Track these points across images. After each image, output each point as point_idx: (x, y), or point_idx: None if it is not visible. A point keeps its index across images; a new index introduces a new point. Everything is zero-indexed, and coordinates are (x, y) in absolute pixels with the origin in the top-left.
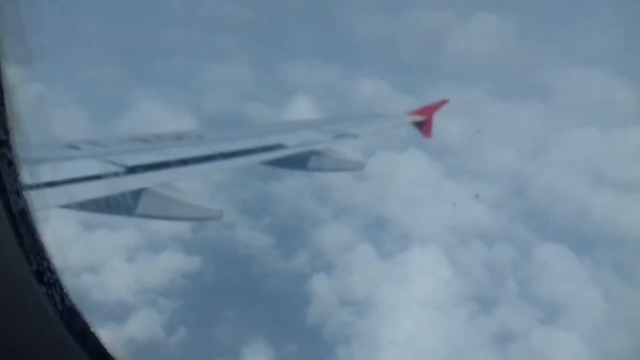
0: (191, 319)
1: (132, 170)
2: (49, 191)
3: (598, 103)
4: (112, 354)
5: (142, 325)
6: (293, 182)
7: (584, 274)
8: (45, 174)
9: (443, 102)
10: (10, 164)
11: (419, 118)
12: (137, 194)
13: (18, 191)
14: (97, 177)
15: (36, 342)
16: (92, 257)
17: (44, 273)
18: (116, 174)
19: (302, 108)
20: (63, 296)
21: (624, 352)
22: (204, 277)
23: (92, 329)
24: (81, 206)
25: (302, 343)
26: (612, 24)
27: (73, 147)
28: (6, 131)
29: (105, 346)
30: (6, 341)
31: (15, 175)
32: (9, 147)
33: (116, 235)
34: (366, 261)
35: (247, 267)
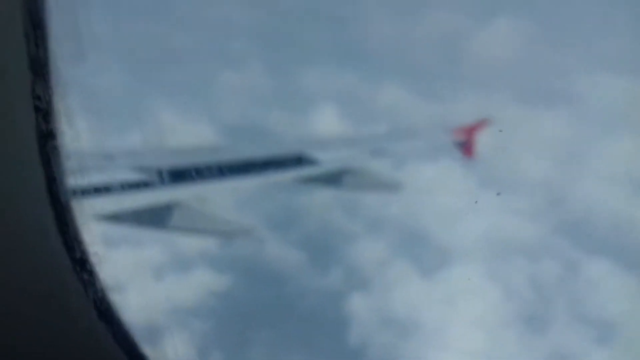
0: (225, 340)
1: (167, 182)
2: (85, 201)
3: (628, 110)
4: (141, 349)
5: (175, 347)
6: (322, 195)
7: (634, 288)
8: (82, 183)
9: (485, 122)
10: (56, 154)
11: (461, 138)
12: (171, 207)
13: (63, 181)
14: (133, 188)
15: (73, 330)
16: (117, 275)
17: (84, 262)
18: (152, 186)
19: (324, 116)
20: (99, 286)
21: None
22: (235, 296)
23: (123, 322)
24: (115, 217)
25: None
26: (635, 28)
27: (109, 156)
28: (55, 126)
29: (135, 340)
30: (44, 328)
31: (60, 165)
32: (57, 142)
33: (140, 253)
34: (404, 278)
35: (280, 285)
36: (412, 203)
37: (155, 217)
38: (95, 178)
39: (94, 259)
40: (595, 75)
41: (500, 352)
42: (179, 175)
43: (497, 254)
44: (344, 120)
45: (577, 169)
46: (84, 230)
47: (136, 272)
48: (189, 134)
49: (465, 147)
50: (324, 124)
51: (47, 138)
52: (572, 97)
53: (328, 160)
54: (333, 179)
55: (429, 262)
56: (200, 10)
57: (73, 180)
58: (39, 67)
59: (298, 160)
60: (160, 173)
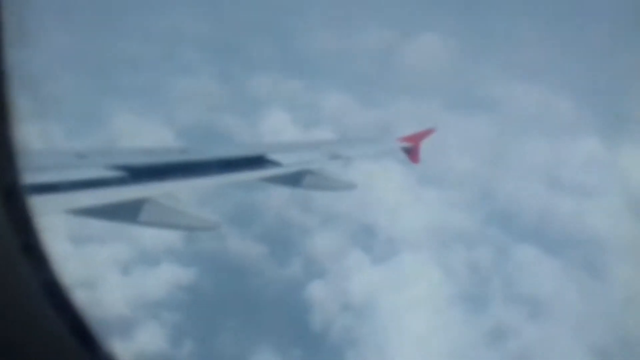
0: (195, 331)
1: (136, 180)
2: (53, 197)
3: (540, 114)
4: (91, 330)
5: (147, 339)
6: (277, 193)
7: (558, 272)
8: (51, 179)
9: (430, 131)
10: (5, 142)
11: (407, 145)
12: (139, 202)
13: (11, 169)
14: (102, 184)
15: (22, 314)
16: (85, 271)
17: (31, 248)
18: (120, 183)
19: (274, 120)
20: (48, 271)
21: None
22: (202, 288)
23: (74, 305)
24: (84, 213)
25: (308, 349)
26: (545, 40)
27: (80, 155)
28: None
29: (87, 322)
30: None
31: (7, 151)
32: (4, 127)
33: (106, 249)
34: (358, 267)
35: (244, 277)
36: (362, 200)
37: (124, 213)
38: (67, 175)
39: (44, 244)
40: (511, 83)
41: (446, 330)
42: (147, 173)
43: (438, 242)
44: (294, 123)
45: (501, 165)
46: (36, 218)
47: (104, 268)
48: (147, 135)
49: (412, 153)
50: (274, 126)
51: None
52: (492, 102)
53: (288, 162)
54: (293, 179)
55: (379, 251)
56: (150, 20)
57: (29, 177)
58: None
59: (260, 162)
60: (129, 171)
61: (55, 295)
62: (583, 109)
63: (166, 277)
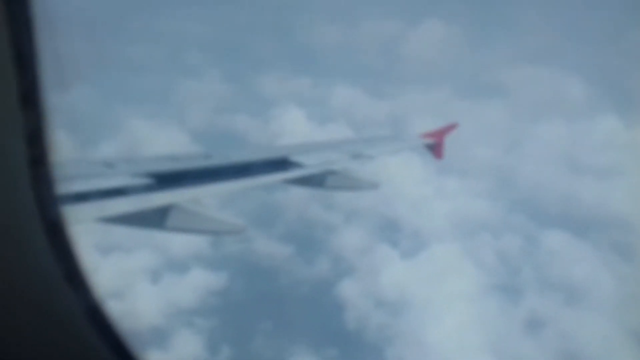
0: (231, 335)
1: (162, 186)
2: (83, 206)
3: (551, 97)
4: (134, 354)
5: (184, 348)
6: (299, 193)
7: (588, 255)
8: (79, 189)
9: (453, 126)
10: (46, 177)
11: (431, 141)
12: (166, 209)
13: (53, 203)
14: (129, 192)
15: (63, 340)
16: (114, 281)
17: (74, 276)
18: (147, 190)
19: (288, 118)
20: (91, 297)
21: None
22: (233, 292)
23: (117, 330)
24: (113, 221)
25: (344, 347)
26: (551, 23)
27: (107, 164)
28: (43, 147)
29: (130, 347)
30: (34, 339)
31: (50, 187)
32: (45, 162)
33: (133, 258)
34: (388, 262)
35: (274, 278)
36: (384, 195)
37: (152, 219)
38: (96, 184)
39: (86, 270)
40: (519, 67)
41: (483, 321)
42: (173, 180)
43: (465, 232)
44: (308, 120)
45: (520, 151)
46: (76, 244)
47: (133, 277)
48: (163, 140)
49: (436, 149)
50: (289, 124)
51: (37, 163)
52: (503, 88)
53: (311, 163)
54: (316, 180)
55: (406, 245)
56: (153, 24)
57: (64, 197)
58: (28, 95)
59: (282, 164)
60: (155, 178)
61: (98, 319)
62: (596, 89)
63: (196, 283)
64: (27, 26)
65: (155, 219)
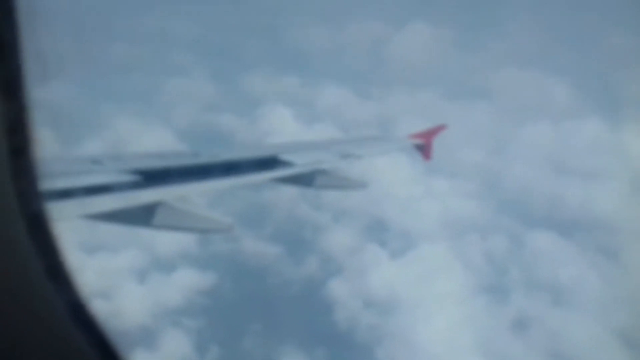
0: (219, 335)
1: (149, 183)
2: (67, 202)
3: (536, 99)
4: (117, 350)
5: (172, 348)
6: (287, 193)
7: (574, 256)
8: (64, 185)
9: (441, 127)
10: (28, 170)
11: (419, 142)
12: (153, 206)
13: (34, 196)
14: (116, 189)
15: (45, 337)
16: (100, 280)
17: (56, 272)
18: (134, 187)
19: (275, 117)
20: (74, 295)
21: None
22: (221, 292)
23: (100, 327)
24: (99, 218)
25: (333, 347)
26: (536, 26)
27: (94, 160)
28: (24, 137)
29: (113, 343)
30: (15, 336)
31: (32, 180)
32: (26, 153)
33: (118, 257)
34: (377, 262)
35: (262, 278)
36: (372, 195)
37: (139, 216)
38: (81, 181)
39: (69, 267)
40: (505, 70)
41: (471, 321)
42: (160, 177)
43: (452, 233)
44: (295, 119)
45: (506, 153)
46: (59, 239)
47: (119, 276)
48: (148, 138)
49: (424, 150)
50: (276, 124)
51: (17, 153)
52: (489, 90)
53: (300, 162)
54: (305, 179)
55: (395, 245)
56: (138, 22)
57: (48, 193)
58: (8, 84)
59: (272, 163)
60: (142, 175)
61: (80, 316)
62: (582, 92)
63: (184, 283)
64: (9, 15)
65: (142, 216)
